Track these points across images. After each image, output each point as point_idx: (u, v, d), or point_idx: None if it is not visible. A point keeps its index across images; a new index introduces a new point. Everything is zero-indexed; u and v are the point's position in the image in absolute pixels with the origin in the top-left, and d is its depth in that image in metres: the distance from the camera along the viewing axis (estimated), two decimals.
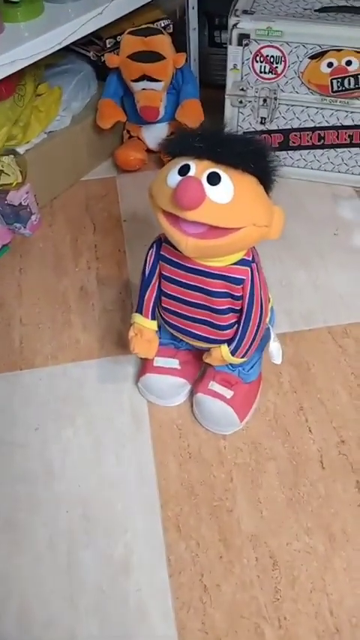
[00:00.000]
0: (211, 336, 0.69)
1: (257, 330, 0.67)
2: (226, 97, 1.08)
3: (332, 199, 1.13)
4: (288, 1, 1.02)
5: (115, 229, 1.08)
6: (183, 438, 0.76)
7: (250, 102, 1.08)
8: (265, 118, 1.10)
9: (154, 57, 1.03)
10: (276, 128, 1.10)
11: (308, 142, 1.11)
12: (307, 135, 1.09)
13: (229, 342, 0.69)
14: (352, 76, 0.99)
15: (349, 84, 1.00)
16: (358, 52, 0.95)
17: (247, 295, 0.64)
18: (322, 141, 1.09)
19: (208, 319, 0.67)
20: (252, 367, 0.76)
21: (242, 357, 0.70)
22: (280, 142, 1.12)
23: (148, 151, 1.21)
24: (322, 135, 1.09)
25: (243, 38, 0.99)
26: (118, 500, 0.71)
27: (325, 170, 1.14)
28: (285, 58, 0.99)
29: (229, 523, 0.69)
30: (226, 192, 0.54)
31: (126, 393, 0.82)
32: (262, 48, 0.99)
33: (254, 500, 0.70)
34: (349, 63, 0.97)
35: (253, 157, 0.55)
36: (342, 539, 0.67)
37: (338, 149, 1.10)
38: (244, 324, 0.66)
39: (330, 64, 0.98)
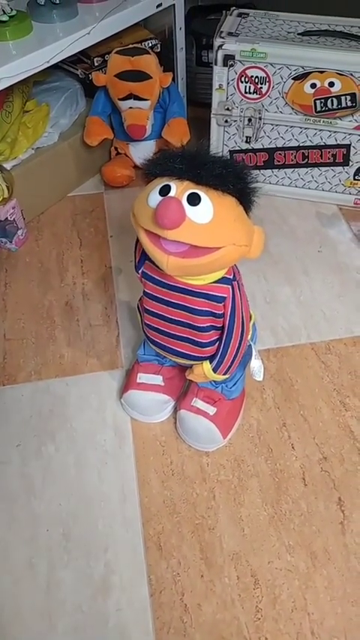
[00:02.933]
0: (193, 354, 0.69)
1: (239, 347, 0.67)
2: (212, 116, 1.10)
3: (316, 217, 1.14)
4: (272, 25, 1.05)
5: (102, 245, 1.09)
6: (166, 455, 0.76)
7: (235, 121, 1.10)
8: (250, 137, 1.11)
9: (141, 76, 1.04)
10: (261, 147, 1.12)
11: (292, 160, 1.12)
12: (292, 154, 1.11)
13: (211, 358, 0.69)
14: (334, 96, 1.01)
15: (332, 104, 1.02)
16: (340, 74, 0.97)
17: (229, 313, 0.64)
18: (306, 160, 1.11)
19: (190, 337, 0.68)
20: (235, 384, 0.76)
21: (224, 374, 0.70)
22: (265, 161, 1.14)
23: (136, 167, 1.22)
24: (306, 154, 1.10)
25: (228, 59, 1.01)
26: (99, 518, 0.70)
27: (309, 188, 1.15)
28: (269, 78, 1.01)
29: (210, 541, 0.68)
30: (206, 212, 0.54)
31: (109, 409, 0.82)
32: (246, 69, 1.01)
33: (236, 518, 0.70)
34: (331, 84, 0.99)
35: (233, 178, 0.56)
36: (323, 557, 0.67)
37: (322, 168, 1.12)
38: (226, 342, 0.66)
39: (313, 85, 1.00)
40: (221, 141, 1.14)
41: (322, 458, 0.76)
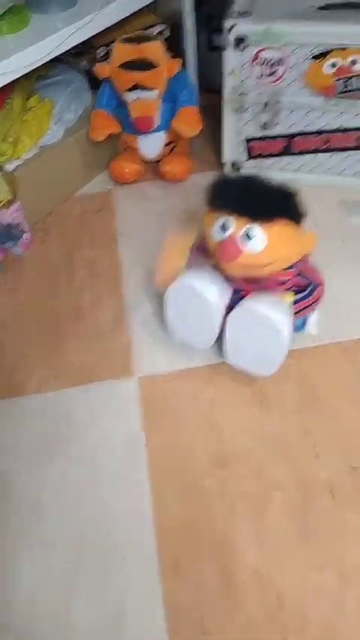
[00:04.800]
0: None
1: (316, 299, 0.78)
2: (224, 103, 1.04)
3: (339, 205, 1.07)
4: (288, 0, 0.98)
5: (111, 245, 1.04)
6: (183, 469, 0.72)
7: (250, 107, 1.03)
8: (266, 123, 1.05)
9: (146, 65, 0.99)
10: (278, 133, 1.06)
11: (313, 146, 1.05)
12: (312, 139, 1.04)
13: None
14: (357, 75, 0.93)
15: (356, 84, 0.94)
16: None
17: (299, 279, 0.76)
18: (328, 144, 1.04)
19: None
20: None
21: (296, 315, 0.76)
22: (284, 147, 1.07)
23: (145, 161, 1.17)
24: (328, 138, 1.03)
25: (240, 41, 0.94)
26: (112, 537, 0.67)
27: (331, 174, 1.08)
28: (285, 60, 0.95)
29: (231, 560, 0.64)
30: (260, 243, 0.68)
31: (123, 419, 0.78)
32: (260, 51, 0.95)
33: (259, 534, 0.65)
34: (354, 62, 0.92)
35: (283, 208, 0.68)
36: (355, 575, 0.62)
37: (345, 152, 1.05)
38: (313, 288, 0.77)
39: (334, 64, 0.93)
40: (236, 129, 1.07)
41: (351, 468, 0.70)
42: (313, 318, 0.81)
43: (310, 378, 0.80)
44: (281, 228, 0.68)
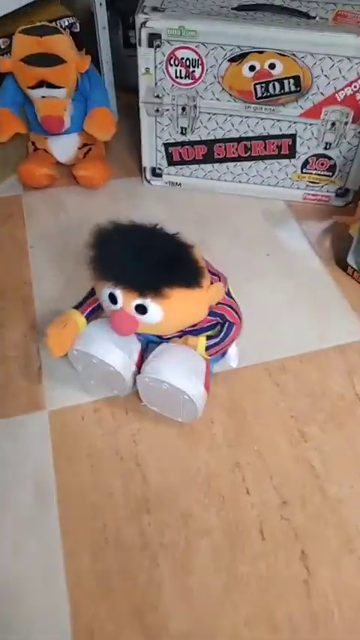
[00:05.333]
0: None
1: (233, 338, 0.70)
2: (140, 104, 0.97)
3: (263, 215, 1.03)
4: None
5: (20, 258, 0.94)
6: (98, 518, 0.63)
7: (167, 110, 0.97)
8: (185, 128, 0.99)
9: (53, 60, 0.89)
10: (198, 139, 1.00)
11: (234, 153, 1.01)
12: (233, 146, 1.00)
13: (207, 335, 0.69)
14: (276, 80, 0.89)
15: (274, 89, 0.90)
16: (281, 55, 0.86)
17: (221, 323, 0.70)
18: (249, 152, 1.00)
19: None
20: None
21: (211, 356, 0.70)
22: (204, 154, 1.02)
23: (58, 164, 1.07)
24: (249, 146, 0.99)
25: (154, 38, 0.87)
26: (16, 602, 0.57)
27: (254, 183, 1.04)
28: (202, 60, 0.89)
29: (155, 624, 0.56)
30: (155, 316, 0.61)
31: (30, 461, 0.68)
32: (176, 49, 0.88)
33: (185, 591, 0.59)
34: (272, 66, 0.88)
35: (177, 273, 0.59)
36: (287, 628, 0.57)
37: (266, 160, 1.01)
38: (227, 331, 0.69)
39: (252, 68, 0.88)
40: (154, 133, 1.01)
41: (281, 503, 0.65)
42: (233, 350, 0.75)
43: (238, 404, 0.74)
44: (177, 296, 0.59)
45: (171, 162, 1.05)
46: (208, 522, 0.63)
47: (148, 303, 0.59)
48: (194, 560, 0.61)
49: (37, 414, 0.73)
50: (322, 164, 1.00)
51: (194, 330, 0.68)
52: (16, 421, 0.72)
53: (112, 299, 0.61)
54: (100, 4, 1.05)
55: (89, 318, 0.71)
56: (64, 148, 1.04)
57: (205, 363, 0.68)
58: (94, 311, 0.72)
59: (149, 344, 0.70)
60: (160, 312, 0.60)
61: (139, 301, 0.60)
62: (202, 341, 0.68)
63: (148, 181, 1.09)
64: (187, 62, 0.90)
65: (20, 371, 0.77)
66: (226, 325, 0.69)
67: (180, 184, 1.08)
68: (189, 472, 0.67)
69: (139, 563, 0.60)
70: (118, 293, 0.60)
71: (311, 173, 1.02)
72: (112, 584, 0.59)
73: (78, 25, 1.08)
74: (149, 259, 0.58)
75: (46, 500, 0.65)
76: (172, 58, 0.89)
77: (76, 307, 0.72)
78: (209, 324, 0.68)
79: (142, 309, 0.60)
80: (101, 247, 0.61)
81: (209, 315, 0.67)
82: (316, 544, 0.62)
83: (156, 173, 1.07)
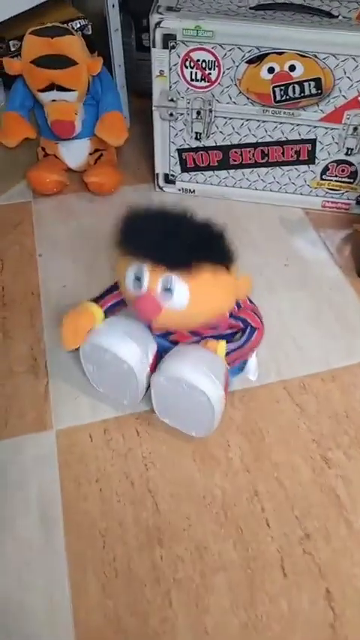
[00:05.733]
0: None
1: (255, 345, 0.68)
2: (154, 108, 0.93)
3: (281, 223, 0.99)
4: None
5: (28, 267, 0.90)
6: (108, 549, 0.59)
7: (182, 114, 0.93)
8: (200, 134, 0.95)
9: (64, 62, 0.86)
10: (213, 144, 0.96)
11: (251, 159, 0.97)
12: (249, 151, 0.96)
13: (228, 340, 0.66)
14: (296, 82, 0.85)
15: (294, 92, 0.86)
16: (301, 56, 0.81)
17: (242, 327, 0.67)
18: (267, 158, 0.96)
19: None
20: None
21: (230, 363, 0.67)
22: (219, 160, 0.98)
23: (69, 170, 1.04)
24: (266, 151, 0.95)
25: (168, 39, 0.84)
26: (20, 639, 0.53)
27: (271, 190, 1.00)
28: (219, 62, 0.85)
29: None
30: (182, 299, 0.56)
31: (34, 486, 0.64)
32: (191, 51, 0.85)
33: (200, 631, 0.54)
34: (292, 68, 0.83)
35: (208, 251, 0.56)
36: None
37: (284, 167, 0.97)
38: (248, 336, 0.66)
39: (271, 70, 0.84)
40: (167, 138, 0.97)
41: (304, 535, 0.61)
42: (252, 362, 0.71)
43: (255, 426, 0.70)
44: (207, 278, 0.56)
45: (185, 168, 1.01)
46: (224, 556, 0.59)
47: (175, 282, 0.55)
48: (210, 598, 0.56)
49: (44, 433, 0.69)
50: (343, 170, 0.95)
51: (214, 336, 0.65)
52: (22, 441, 0.68)
53: (137, 282, 0.57)
54: (113, 6, 1.02)
55: (107, 313, 0.67)
56: (74, 153, 1.01)
57: (225, 366, 0.64)
58: (113, 307, 0.68)
59: (163, 352, 0.66)
60: (187, 295, 0.56)
61: (167, 277, 0.55)
62: (222, 345, 0.65)
63: (161, 188, 1.05)
64: (203, 64, 0.86)
65: (26, 387, 0.74)
66: (248, 330, 0.66)
67: (194, 191, 1.04)
68: (204, 500, 0.63)
69: (151, 599, 0.56)
70: (144, 271, 0.56)
71: (331, 180, 0.97)
72: (121, 623, 0.54)
73: (90, 27, 1.05)
74: (179, 236, 0.55)
75: (53, 526, 0.61)
76: (187, 59, 0.86)
77: (95, 300, 0.68)
78: (230, 330, 0.66)
79: (167, 292, 0.56)
80: (131, 224, 0.58)
81: (231, 318, 0.65)
82: (342, 582, 0.57)
83: (169, 180, 1.04)
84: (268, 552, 0.59)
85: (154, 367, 0.65)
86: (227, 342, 0.65)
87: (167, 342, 0.65)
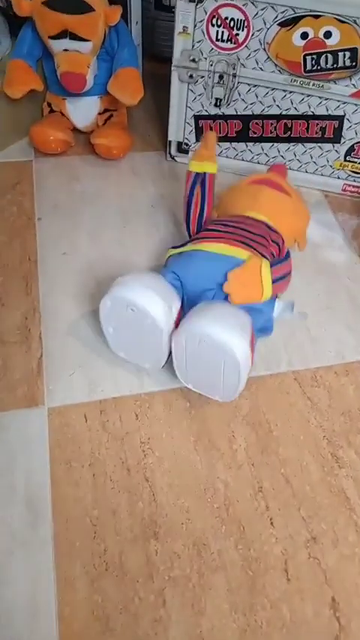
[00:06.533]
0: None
1: (287, 273, 0.68)
2: (172, 68, 0.86)
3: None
4: None
5: (26, 230, 0.84)
6: (98, 539, 0.55)
7: (202, 77, 0.86)
8: (220, 100, 0.88)
9: (80, 7, 0.78)
10: (234, 113, 0.89)
11: (272, 132, 0.90)
12: (272, 124, 0.89)
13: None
14: (330, 52, 0.79)
15: (326, 62, 0.80)
16: (340, 21, 0.75)
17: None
18: (289, 132, 0.89)
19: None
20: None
21: (275, 282, 0.63)
22: (238, 131, 0.91)
23: (75, 129, 0.96)
24: (290, 125, 0.89)
25: None
26: None
27: (290, 169, 0.94)
28: (249, 22, 0.78)
29: None
30: None
31: (21, 467, 0.59)
32: (220, 7, 0.77)
33: (194, 635, 0.50)
34: (327, 35, 0.77)
35: None
36: None
37: (307, 144, 0.90)
38: (282, 259, 0.69)
39: (304, 35, 0.78)
40: (184, 102, 0.90)
41: (310, 538, 0.56)
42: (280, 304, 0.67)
43: (263, 417, 0.65)
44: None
45: (200, 137, 0.94)
46: (224, 555, 0.55)
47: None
48: (207, 599, 0.52)
49: (34, 410, 0.63)
50: None
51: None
52: (9, 417, 0.63)
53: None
54: None
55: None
56: (83, 111, 0.93)
57: (251, 324, 0.59)
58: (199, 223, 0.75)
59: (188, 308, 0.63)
60: None
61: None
62: (266, 263, 0.63)
63: (173, 157, 0.98)
64: (232, 23, 0.79)
65: (18, 359, 0.68)
66: (287, 252, 0.71)
67: None
68: (205, 493, 0.58)
69: (143, 597, 0.51)
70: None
71: (355, 162, 0.91)
72: (110, 622, 0.50)
73: None
74: None
75: (39, 513, 0.56)
76: (214, 16, 0.78)
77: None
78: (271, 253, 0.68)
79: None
80: None
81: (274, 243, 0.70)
82: (349, 591, 0.53)
83: (182, 149, 0.97)
84: (272, 554, 0.55)
85: (178, 323, 0.60)
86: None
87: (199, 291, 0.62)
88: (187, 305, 0.63)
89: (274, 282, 0.63)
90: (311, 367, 0.71)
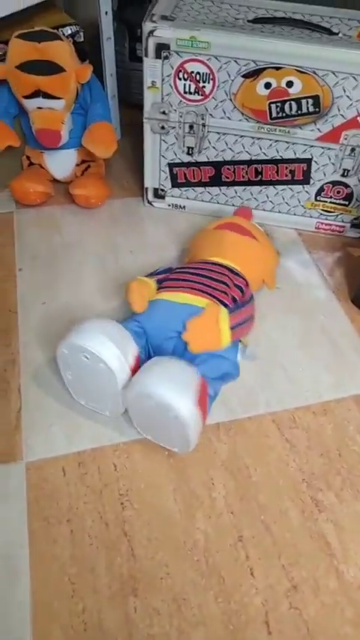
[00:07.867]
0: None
1: (247, 319, 0.70)
2: (144, 120, 0.89)
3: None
4: (216, 9, 0.85)
5: (7, 281, 0.85)
6: (77, 598, 0.54)
7: (173, 128, 0.89)
8: (192, 148, 0.91)
9: (51, 68, 0.81)
10: (206, 160, 0.92)
11: (244, 176, 0.93)
12: (243, 169, 0.92)
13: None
14: (293, 100, 0.82)
15: (291, 109, 0.83)
16: (300, 72, 0.78)
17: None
18: (260, 176, 0.92)
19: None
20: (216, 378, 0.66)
21: (232, 328, 0.65)
22: (211, 177, 0.94)
23: (54, 181, 0.99)
24: (260, 169, 0.91)
25: (162, 49, 0.80)
26: None
27: (263, 210, 0.96)
28: (214, 75, 0.81)
29: None
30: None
31: None
32: (185, 62, 0.81)
33: None
34: (290, 84, 0.80)
35: None
36: None
37: (278, 186, 0.93)
38: (242, 304, 0.70)
39: (268, 85, 0.81)
40: (158, 151, 0.93)
41: (291, 587, 0.56)
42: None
43: (242, 462, 0.65)
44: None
45: (175, 183, 0.97)
46: (204, 610, 0.54)
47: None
48: None
49: (12, 466, 0.63)
50: (339, 192, 0.92)
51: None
52: None
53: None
54: (106, 13, 0.98)
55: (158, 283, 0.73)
56: (60, 164, 0.96)
57: (199, 380, 0.59)
58: (161, 280, 0.73)
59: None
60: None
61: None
62: (224, 310, 0.65)
63: (150, 203, 1.01)
64: (197, 76, 0.82)
65: None
66: (250, 295, 0.73)
67: (184, 207, 1.00)
68: (185, 545, 0.58)
69: None
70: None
71: (326, 201, 0.94)
72: None
73: (82, 34, 1.01)
74: None
75: (16, 571, 0.55)
76: (180, 70, 0.82)
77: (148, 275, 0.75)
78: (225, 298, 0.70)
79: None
80: None
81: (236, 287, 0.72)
82: None
83: (158, 194, 1.00)
84: (252, 606, 0.54)
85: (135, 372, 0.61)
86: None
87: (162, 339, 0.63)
88: (154, 352, 0.64)
89: (233, 328, 0.64)
90: (289, 408, 0.71)
